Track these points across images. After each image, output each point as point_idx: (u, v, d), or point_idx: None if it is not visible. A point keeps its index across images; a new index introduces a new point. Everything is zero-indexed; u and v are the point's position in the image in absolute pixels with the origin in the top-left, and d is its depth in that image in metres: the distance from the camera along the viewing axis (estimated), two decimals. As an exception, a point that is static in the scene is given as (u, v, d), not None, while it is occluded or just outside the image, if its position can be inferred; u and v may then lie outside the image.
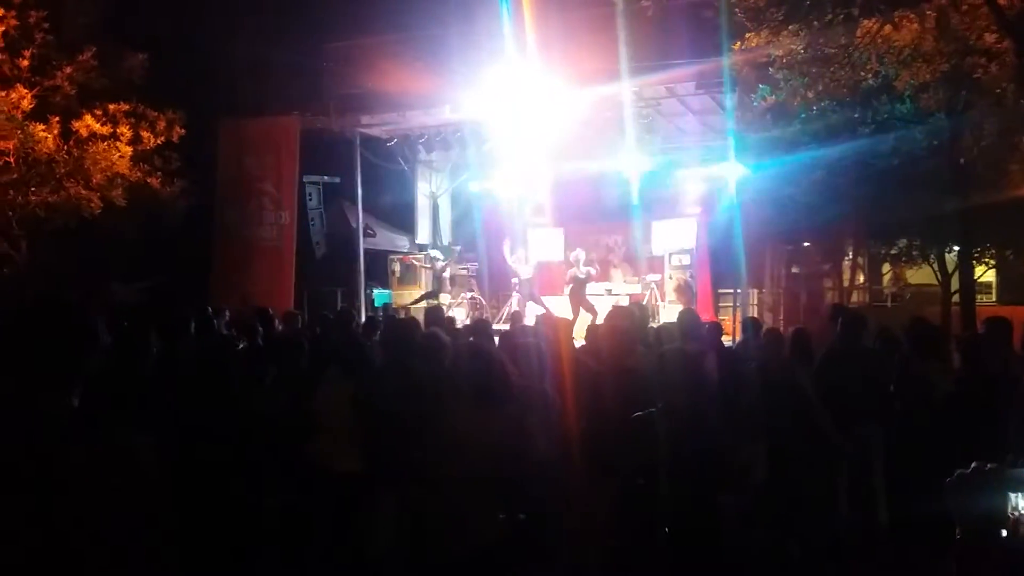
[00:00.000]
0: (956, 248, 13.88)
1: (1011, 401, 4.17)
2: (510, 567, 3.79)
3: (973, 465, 1.82)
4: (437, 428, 4.06)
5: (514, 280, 15.97)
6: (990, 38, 9.50)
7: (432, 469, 3.96)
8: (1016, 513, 1.71)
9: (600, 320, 11.49)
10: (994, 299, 19.81)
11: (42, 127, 13.01)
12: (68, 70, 13.66)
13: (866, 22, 9.17)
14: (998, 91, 9.69)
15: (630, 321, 5.64)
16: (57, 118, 13.31)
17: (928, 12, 9.24)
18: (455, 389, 4.22)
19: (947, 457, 3.12)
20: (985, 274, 18.04)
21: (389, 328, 7.06)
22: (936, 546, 2.44)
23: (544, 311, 12.34)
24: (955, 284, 13.29)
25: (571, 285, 14.84)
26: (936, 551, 2.19)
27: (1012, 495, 1.72)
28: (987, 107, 9.95)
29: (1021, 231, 14.01)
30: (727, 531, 5.29)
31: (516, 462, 3.77)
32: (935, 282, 15.59)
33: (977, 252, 14.80)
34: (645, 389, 4.88)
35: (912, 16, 9.25)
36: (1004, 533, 1.71)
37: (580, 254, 15.04)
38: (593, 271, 14.99)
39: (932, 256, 15.74)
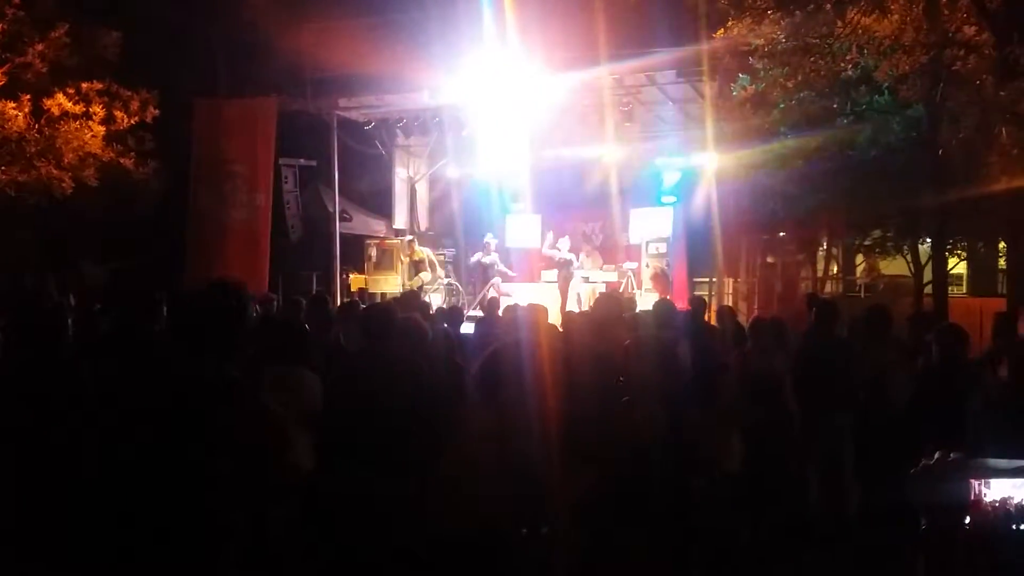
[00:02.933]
0: (929, 240, 13.98)
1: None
2: (493, 556, 3.77)
3: (936, 455, 1.81)
4: (438, 419, 4.03)
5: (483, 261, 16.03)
6: (969, 30, 9.55)
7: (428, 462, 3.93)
8: (979, 501, 1.71)
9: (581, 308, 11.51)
10: (965, 291, 20.00)
11: (12, 105, 12.76)
12: (40, 47, 13.36)
13: (849, 11, 9.19)
14: (977, 83, 9.73)
15: (611, 309, 5.64)
16: (28, 96, 13.04)
17: (917, 1, 9.28)
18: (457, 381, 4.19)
19: (915, 447, 3.14)
20: (957, 266, 18.20)
21: (367, 314, 6.99)
22: (904, 535, 2.45)
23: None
24: (927, 275, 13.38)
25: (559, 271, 15.04)
26: (904, 539, 2.20)
27: (975, 483, 1.72)
28: (966, 99, 9.99)
29: (994, 224, 14.11)
30: (699, 516, 5.31)
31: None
32: (908, 273, 15.71)
33: (950, 244, 14.92)
34: (620, 375, 4.90)
35: (895, 7, 9.28)
36: (968, 521, 1.71)
37: (565, 242, 15.41)
38: (575, 259, 15.27)
39: (905, 247, 15.84)
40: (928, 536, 1.79)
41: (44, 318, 3.95)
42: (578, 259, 15.99)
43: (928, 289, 12.59)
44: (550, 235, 16.03)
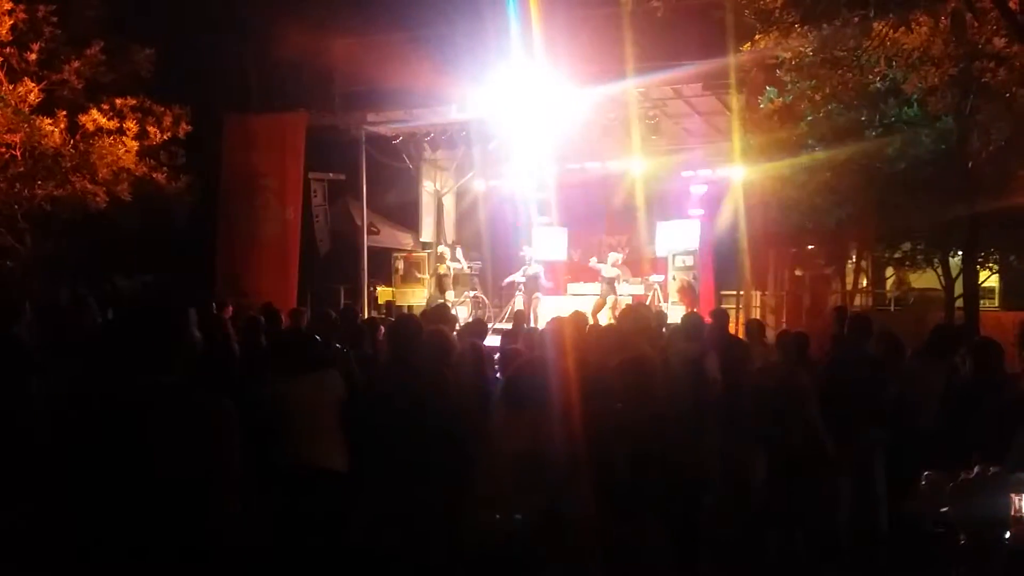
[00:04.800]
0: (960, 253, 13.84)
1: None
2: (514, 567, 3.80)
3: (976, 469, 1.81)
4: (462, 430, 4.07)
5: (518, 279, 16.00)
6: (999, 42, 9.47)
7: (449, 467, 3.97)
8: (1019, 516, 1.70)
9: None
10: (997, 304, 19.74)
11: (49, 121, 12.99)
12: (75, 64, 13.62)
13: (876, 24, 9.16)
14: (1007, 95, 9.66)
15: (636, 321, 5.67)
16: (64, 112, 13.27)
17: (943, 14, 9.23)
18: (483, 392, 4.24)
19: (951, 461, 3.13)
20: (988, 279, 17.98)
21: (394, 326, 7.05)
22: (941, 550, 2.45)
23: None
24: (958, 289, 13.28)
25: (602, 285, 15.03)
26: (941, 555, 2.19)
27: (1015, 498, 1.72)
28: (996, 111, 9.92)
29: (1026, 236, 13.96)
30: (729, 530, 5.30)
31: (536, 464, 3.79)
32: (938, 286, 15.54)
33: (981, 257, 14.75)
34: (648, 389, 4.92)
35: (923, 19, 9.23)
36: (1007, 535, 1.71)
37: (614, 256, 15.40)
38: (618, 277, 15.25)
39: (936, 260, 15.70)
40: (967, 551, 1.79)
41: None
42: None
43: (959, 303, 12.46)
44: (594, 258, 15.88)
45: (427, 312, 9.62)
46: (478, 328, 8.19)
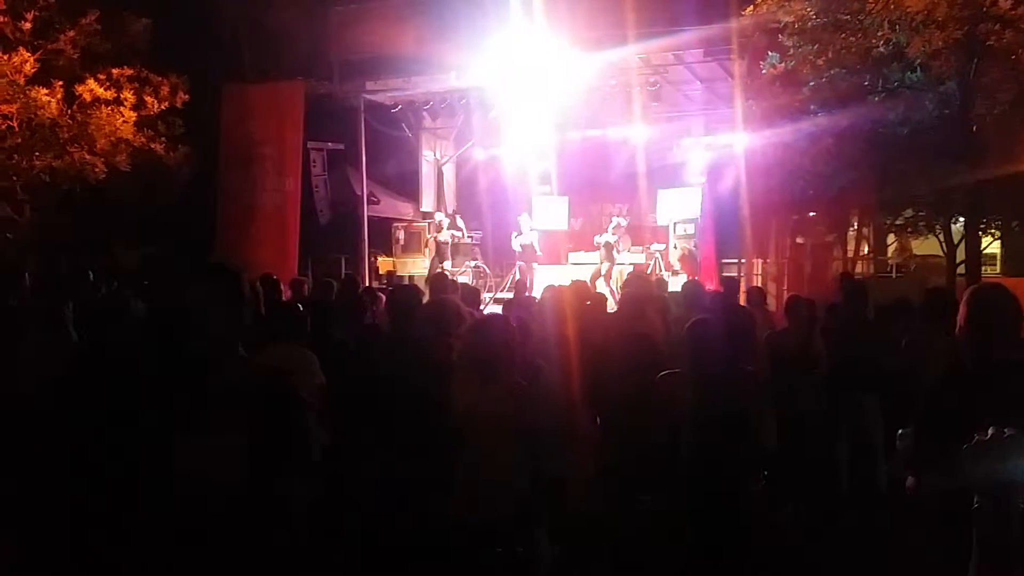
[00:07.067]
0: (962, 219, 13.80)
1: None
2: (517, 536, 3.78)
3: (991, 431, 1.79)
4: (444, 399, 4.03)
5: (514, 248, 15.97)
6: (1005, 4, 9.39)
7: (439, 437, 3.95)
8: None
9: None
10: (998, 270, 19.75)
11: (45, 91, 12.90)
12: (71, 33, 13.51)
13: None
14: (1012, 58, 9.59)
15: (643, 288, 5.65)
16: (60, 82, 13.18)
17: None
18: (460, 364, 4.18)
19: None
20: (990, 245, 17.96)
21: (392, 297, 7.00)
22: (942, 514, 2.43)
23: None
24: (960, 255, 13.26)
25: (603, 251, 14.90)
26: (952, 519, 2.17)
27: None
28: (1001, 75, 9.84)
29: (1029, 202, 13.92)
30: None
31: (523, 432, 3.75)
32: (940, 253, 15.53)
33: (983, 223, 14.71)
34: (656, 354, 4.92)
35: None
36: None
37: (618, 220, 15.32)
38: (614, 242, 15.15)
39: (938, 227, 15.67)
40: (982, 516, 1.77)
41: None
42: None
43: (961, 269, 12.45)
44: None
45: (432, 281, 9.55)
46: (470, 296, 8.13)
